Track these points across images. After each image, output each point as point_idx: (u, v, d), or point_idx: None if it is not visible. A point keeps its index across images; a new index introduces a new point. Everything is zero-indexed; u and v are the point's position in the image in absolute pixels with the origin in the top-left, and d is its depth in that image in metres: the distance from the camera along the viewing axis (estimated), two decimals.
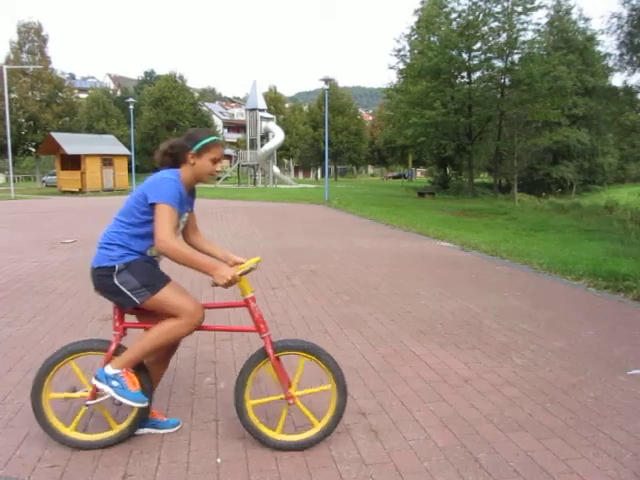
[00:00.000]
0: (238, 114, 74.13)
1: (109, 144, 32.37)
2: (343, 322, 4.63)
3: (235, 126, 73.37)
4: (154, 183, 2.43)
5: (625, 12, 19.16)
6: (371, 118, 74.40)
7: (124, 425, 2.50)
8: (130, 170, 32.02)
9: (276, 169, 41.59)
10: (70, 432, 2.47)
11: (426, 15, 28.16)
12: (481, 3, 26.89)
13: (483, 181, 44.61)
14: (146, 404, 2.42)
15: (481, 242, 9.48)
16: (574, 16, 37.71)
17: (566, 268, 6.98)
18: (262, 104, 39.96)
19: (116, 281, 2.43)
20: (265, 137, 39.85)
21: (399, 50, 30.34)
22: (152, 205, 2.37)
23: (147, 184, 2.45)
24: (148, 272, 2.48)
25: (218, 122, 68.21)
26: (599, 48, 34.35)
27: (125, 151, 32.38)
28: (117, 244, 2.50)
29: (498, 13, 26.83)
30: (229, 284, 2.53)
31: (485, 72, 28.74)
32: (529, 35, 27.38)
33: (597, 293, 5.91)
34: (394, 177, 69.72)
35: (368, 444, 2.57)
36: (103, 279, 2.49)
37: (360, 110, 70.19)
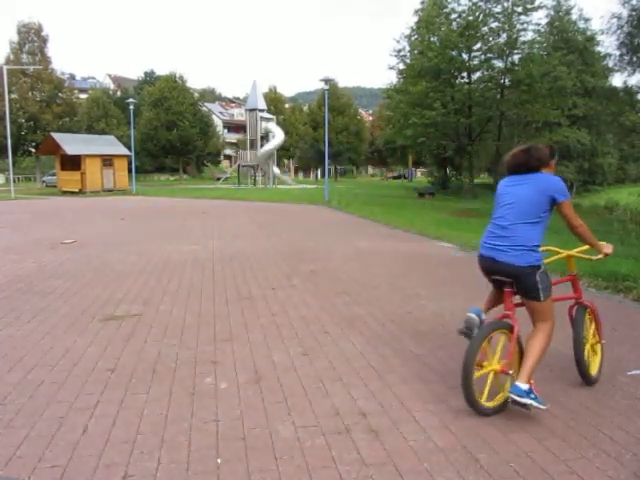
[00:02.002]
0: (238, 114, 74.12)
1: (109, 144, 32.34)
2: (343, 322, 4.63)
3: (235, 126, 73.37)
4: (554, 185, 3.03)
5: (625, 12, 19.16)
6: (371, 118, 74.40)
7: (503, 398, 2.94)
8: (130, 170, 32.02)
9: (276, 169, 41.59)
10: (483, 401, 2.91)
11: (426, 15, 28.15)
12: (481, 3, 26.89)
13: (483, 181, 44.59)
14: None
15: None
16: (574, 16, 37.70)
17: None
18: (262, 104, 39.96)
19: (537, 278, 2.93)
20: (265, 137, 39.86)
21: (399, 50, 30.34)
22: (558, 203, 3.04)
23: (548, 187, 3.02)
24: (549, 276, 3.06)
25: (218, 122, 68.19)
26: (599, 48, 34.32)
27: (125, 151, 32.36)
28: (536, 245, 3.02)
29: (498, 13, 26.84)
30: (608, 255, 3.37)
31: (485, 72, 28.74)
32: (529, 35, 27.41)
33: (597, 293, 5.92)
34: (394, 177, 69.70)
35: (368, 444, 2.57)
36: (528, 276, 2.94)
37: (360, 110, 70.21)
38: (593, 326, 3.43)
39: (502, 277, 3.04)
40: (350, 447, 2.54)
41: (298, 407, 2.97)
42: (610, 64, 24.79)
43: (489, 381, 2.95)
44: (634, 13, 18.83)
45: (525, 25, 27.06)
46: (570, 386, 3.30)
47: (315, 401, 3.05)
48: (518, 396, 2.77)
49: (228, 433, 2.67)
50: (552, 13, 35.72)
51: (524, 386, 2.80)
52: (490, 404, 2.93)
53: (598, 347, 3.44)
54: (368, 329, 4.45)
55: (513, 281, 3.01)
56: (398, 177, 65.13)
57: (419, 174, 67.65)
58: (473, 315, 3.16)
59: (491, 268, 3.09)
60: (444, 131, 29.26)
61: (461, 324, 3.19)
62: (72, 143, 29.83)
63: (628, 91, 22.15)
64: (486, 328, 2.99)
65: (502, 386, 3.01)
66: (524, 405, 2.79)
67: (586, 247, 3.45)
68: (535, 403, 2.78)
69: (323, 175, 48.10)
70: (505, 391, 2.95)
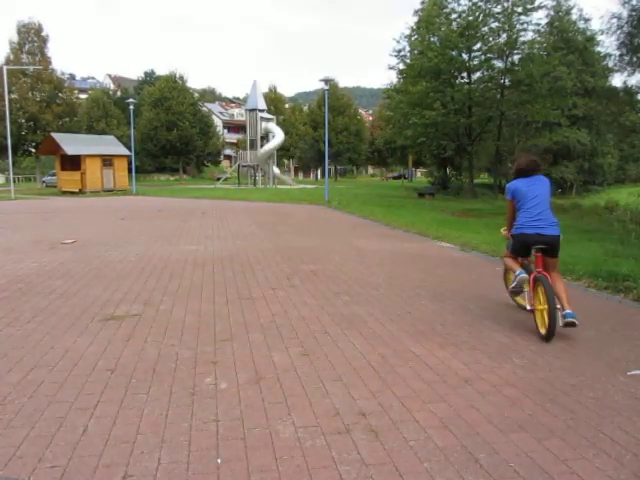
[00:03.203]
0: (238, 114, 74.15)
1: (109, 144, 32.35)
2: (343, 322, 4.63)
3: (235, 126, 73.40)
4: (550, 184, 4.68)
5: (625, 12, 19.11)
6: (371, 118, 74.39)
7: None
8: (130, 170, 32.03)
9: (276, 169, 41.59)
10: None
11: (426, 15, 28.17)
12: (481, 4, 26.90)
13: (483, 182, 44.63)
14: None
15: (481, 242, 9.48)
16: (574, 16, 37.72)
17: (566, 268, 6.97)
18: (262, 104, 39.96)
19: (559, 243, 4.46)
20: (265, 137, 39.87)
21: (399, 51, 30.37)
22: None
23: (549, 185, 4.64)
24: None
25: (218, 122, 68.21)
26: (599, 48, 34.32)
27: (125, 151, 32.36)
28: (556, 222, 4.49)
29: (498, 14, 26.85)
30: None
31: (485, 72, 28.75)
32: (529, 35, 27.43)
33: (597, 293, 5.92)
34: (394, 177, 69.70)
35: (368, 444, 2.57)
36: (558, 241, 4.43)
37: (360, 110, 70.24)
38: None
39: (543, 245, 4.39)
40: (350, 447, 2.54)
41: (298, 407, 2.97)
42: (610, 64, 24.74)
43: (544, 316, 4.21)
44: (634, 13, 18.80)
45: (525, 25, 27.09)
46: (570, 386, 3.30)
47: (315, 401, 3.05)
48: (572, 318, 4.09)
49: (228, 433, 2.67)
50: (552, 13, 35.72)
51: (572, 310, 4.16)
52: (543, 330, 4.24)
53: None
54: (368, 329, 4.45)
55: (548, 247, 4.39)
56: (398, 177, 65.13)
57: (419, 174, 67.66)
58: (525, 275, 4.48)
59: (536, 241, 4.41)
60: (444, 131, 29.29)
61: (515, 284, 4.54)
62: (72, 143, 29.83)
63: (628, 91, 22.12)
64: (542, 281, 4.28)
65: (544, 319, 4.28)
66: (574, 324, 4.10)
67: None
68: (577, 321, 4.12)
69: (323, 175, 48.10)
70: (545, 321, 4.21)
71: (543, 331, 4.20)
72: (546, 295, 4.16)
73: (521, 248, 4.61)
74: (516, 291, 4.63)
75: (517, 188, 4.62)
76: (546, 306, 4.14)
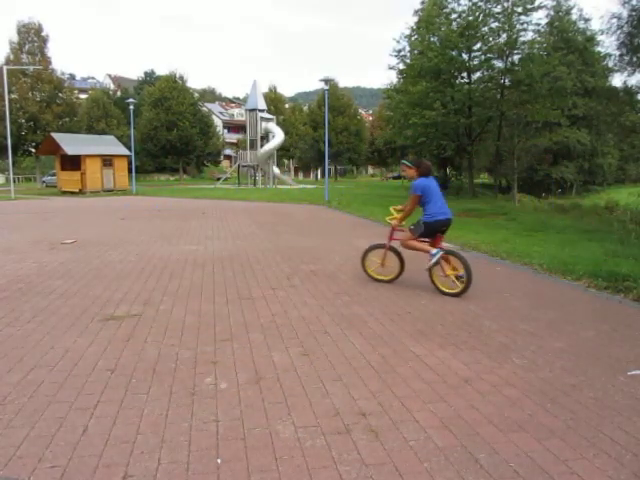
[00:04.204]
0: (238, 114, 74.16)
1: (109, 144, 32.34)
2: (343, 322, 4.64)
3: (235, 126, 73.41)
4: None
5: (625, 12, 19.10)
6: (371, 118, 74.41)
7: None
8: (130, 170, 32.03)
9: (276, 169, 41.59)
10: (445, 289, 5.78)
11: (426, 15, 28.14)
12: (481, 4, 26.86)
13: (483, 181, 44.66)
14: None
15: (481, 242, 9.48)
16: (574, 16, 37.70)
17: (566, 269, 6.98)
18: (262, 104, 39.96)
19: None
20: (265, 137, 39.86)
21: (399, 51, 30.32)
22: None
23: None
24: None
25: (218, 122, 68.21)
26: (599, 48, 34.31)
27: (125, 151, 32.36)
28: None
29: (498, 14, 26.81)
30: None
31: (485, 72, 28.71)
32: (529, 35, 27.36)
33: (597, 293, 5.91)
34: (394, 177, 69.69)
35: (368, 444, 2.57)
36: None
37: (360, 110, 70.23)
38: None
39: (446, 227, 5.89)
40: (350, 447, 2.55)
41: (298, 407, 2.97)
42: (610, 64, 24.75)
43: (454, 280, 5.66)
44: (634, 13, 18.79)
45: (525, 25, 27.02)
46: (570, 387, 3.30)
47: (315, 401, 3.05)
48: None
49: (228, 433, 2.67)
50: (552, 13, 35.69)
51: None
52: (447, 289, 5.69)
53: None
54: (368, 329, 4.45)
55: (446, 229, 5.94)
56: (398, 177, 65.11)
57: None
58: (441, 251, 5.69)
59: (444, 224, 5.83)
60: (444, 131, 29.25)
61: (435, 260, 5.65)
62: (72, 143, 29.83)
63: (628, 91, 22.11)
64: (455, 254, 5.76)
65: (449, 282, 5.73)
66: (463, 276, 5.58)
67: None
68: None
69: (323, 175, 48.11)
70: (451, 285, 5.70)
71: (450, 290, 5.63)
72: (463, 262, 5.54)
73: (432, 232, 5.83)
74: (436, 264, 5.72)
75: (426, 185, 5.78)
76: (455, 272, 5.65)
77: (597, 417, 2.89)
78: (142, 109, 48.65)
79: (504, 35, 26.95)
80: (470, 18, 26.58)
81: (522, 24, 27.00)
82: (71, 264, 7.32)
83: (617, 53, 20.62)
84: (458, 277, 5.64)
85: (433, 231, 5.82)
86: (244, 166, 40.45)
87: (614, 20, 19.28)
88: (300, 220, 14.63)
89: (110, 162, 30.75)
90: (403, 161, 6.23)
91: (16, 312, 4.85)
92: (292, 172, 69.83)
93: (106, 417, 2.82)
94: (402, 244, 6.06)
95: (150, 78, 62.12)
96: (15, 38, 38.23)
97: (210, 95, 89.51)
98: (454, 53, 27.05)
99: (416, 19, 30.47)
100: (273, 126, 40.16)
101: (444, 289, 5.71)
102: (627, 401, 3.10)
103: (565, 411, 2.96)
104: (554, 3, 35.76)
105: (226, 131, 72.47)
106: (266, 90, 58.05)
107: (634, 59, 19.55)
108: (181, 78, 50.91)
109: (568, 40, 35.03)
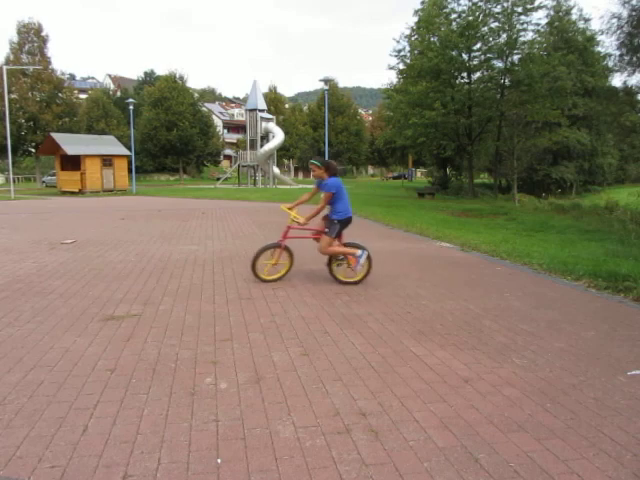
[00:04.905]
0: (238, 114, 74.20)
1: (109, 144, 32.35)
2: (343, 322, 4.63)
3: (235, 126, 73.44)
4: None
5: (625, 12, 19.13)
6: (371, 118, 74.39)
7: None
8: (130, 170, 32.04)
9: (276, 169, 41.60)
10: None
11: (426, 16, 28.15)
12: (481, 4, 26.88)
13: (483, 182, 44.64)
14: None
15: (481, 242, 9.48)
16: (574, 16, 37.74)
17: (566, 269, 6.98)
18: (262, 104, 39.98)
19: None
20: (265, 137, 39.88)
21: (399, 51, 30.34)
22: None
23: None
24: None
25: (218, 122, 68.22)
26: (599, 48, 34.39)
27: (125, 151, 32.37)
28: None
29: (498, 14, 26.83)
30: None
31: (485, 72, 28.73)
32: (529, 35, 27.40)
33: (597, 294, 5.91)
34: (394, 177, 69.71)
35: (368, 444, 2.57)
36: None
37: (360, 110, 70.24)
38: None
39: (349, 224, 6.16)
40: (350, 447, 2.54)
41: (298, 407, 2.97)
42: (610, 64, 24.79)
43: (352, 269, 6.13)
44: (634, 13, 18.81)
45: (525, 25, 27.06)
46: (570, 387, 3.30)
47: (315, 401, 3.05)
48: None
49: (228, 433, 2.67)
50: (552, 13, 35.75)
51: None
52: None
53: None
54: (368, 329, 4.45)
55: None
56: (398, 177, 65.14)
57: (419, 174, 67.67)
58: (366, 252, 6.07)
59: (350, 221, 6.17)
60: (444, 131, 29.27)
61: (363, 260, 6.03)
62: (72, 143, 29.85)
63: (628, 91, 22.12)
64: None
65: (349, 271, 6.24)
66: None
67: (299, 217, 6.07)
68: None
69: None
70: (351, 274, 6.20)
71: (349, 279, 6.11)
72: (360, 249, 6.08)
73: (343, 229, 6.10)
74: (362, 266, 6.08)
75: (339, 184, 6.04)
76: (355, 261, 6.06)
77: (597, 417, 2.89)
78: (142, 109, 48.68)
79: (504, 35, 26.98)
80: (470, 18, 26.59)
81: (522, 24, 27.04)
82: (71, 264, 7.32)
83: (617, 53, 20.65)
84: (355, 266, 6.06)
85: (344, 228, 6.13)
86: (244, 166, 40.47)
87: (614, 20, 19.31)
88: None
89: (110, 162, 30.77)
90: (313, 161, 6.17)
91: (16, 312, 4.85)
92: (292, 172, 69.82)
93: (106, 417, 2.82)
94: (322, 251, 6.08)
95: (150, 78, 62.15)
96: (15, 38, 38.27)
97: (210, 95, 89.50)
98: (454, 53, 27.07)
99: (416, 19, 30.48)
100: (273, 126, 40.16)
101: (344, 279, 6.13)
102: (627, 401, 3.10)
103: (565, 411, 2.96)
104: (554, 3, 35.84)
105: (226, 131, 72.52)
106: (266, 90, 58.06)
107: (634, 59, 19.57)
108: (181, 78, 50.95)
109: (568, 40, 35.08)
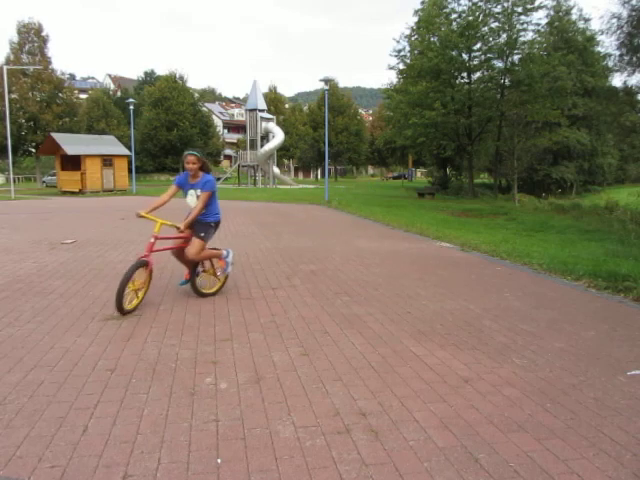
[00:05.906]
0: (238, 114, 74.20)
1: (109, 144, 32.34)
2: (343, 322, 4.63)
3: (235, 126, 73.43)
4: None
5: (625, 12, 19.14)
6: (371, 118, 74.41)
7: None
8: (130, 170, 32.03)
9: (276, 169, 41.60)
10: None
11: (426, 16, 28.16)
12: (481, 4, 26.90)
13: (483, 182, 44.65)
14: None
15: (481, 242, 9.49)
16: (574, 16, 37.74)
17: (566, 268, 6.99)
18: (262, 104, 39.98)
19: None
20: (265, 137, 39.88)
21: (399, 51, 30.35)
22: None
23: None
24: None
25: (218, 122, 68.22)
26: (599, 48, 34.38)
27: (125, 151, 32.36)
28: None
29: (498, 14, 26.84)
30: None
31: (485, 72, 28.74)
32: (529, 35, 27.42)
33: (597, 294, 5.91)
34: (394, 177, 69.73)
35: (368, 444, 2.57)
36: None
37: (360, 110, 70.25)
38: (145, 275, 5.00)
39: None
40: (350, 447, 2.54)
41: (298, 407, 2.97)
42: (610, 64, 24.78)
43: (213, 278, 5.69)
44: (634, 13, 18.81)
45: (525, 25, 27.07)
46: (570, 387, 3.30)
47: (315, 401, 3.05)
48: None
49: (228, 433, 2.67)
50: (552, 13, 35.75)
51: None
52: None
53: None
54: (368, 329, 4.45)
55: None
56: (398, 177, 65.16)
57: (419, 174, 67.69)
58: (231, 251, 5.77)
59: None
60: (444, 131, 29.28)
61: (232, 259, 5.70)
62: (72, 143, 29.83)
63: (628, 91, 22.13)
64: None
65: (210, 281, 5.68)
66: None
67: (170, 222, 5.24)
68: None
69: (323, 175, 48.08)
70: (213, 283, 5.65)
71: (209, 290, 5.48)
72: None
73: (215, 232, 5.50)
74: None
75: (216, 185, 5.43)
76: (221, 266, 5.57)
77: (597, 417, 2.89)
78: (142, 109, 48.67)
79: (504, 35, 26.99)
80: (470, 18, 26.60)
81: (522, 24, 27.05)
82: (71, 264, 7.32)
83: (617, 53, 20.66)
84: (216, 273, 5.59)
85: (215, 232, 5.52)
86: (244, 166, 40.47)
87: (614, 20, 19.31)
88: (300, 220, 14.62)
89: (110, 162, 30.75)
90: (193, 152, 5.26)
91: (16, 312, 4.85)
92: (292, 172, 69.85)
93: (106, 417, 2.82)
94: (197, 257, 5.22)
95: (150, 78, 62.15)
96: (15, 38, 38.25)
97: (210, 95, 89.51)
98: (454, 53, 27.08)
99: (416, 19, 30.49)
100: (273, 126, 40.17)
101: (206, 291, 5.46)
102: (627, 401, 3.10)
103: (565, 411, 2.96)
104: (554, 3, 35.85)
105: (226, 131, 72.51)
106: (266, 90, 58.06)
107: (634, 59, 19.57)
108: (181, 78, 50.94)
109: (568, 40, 35.08)
